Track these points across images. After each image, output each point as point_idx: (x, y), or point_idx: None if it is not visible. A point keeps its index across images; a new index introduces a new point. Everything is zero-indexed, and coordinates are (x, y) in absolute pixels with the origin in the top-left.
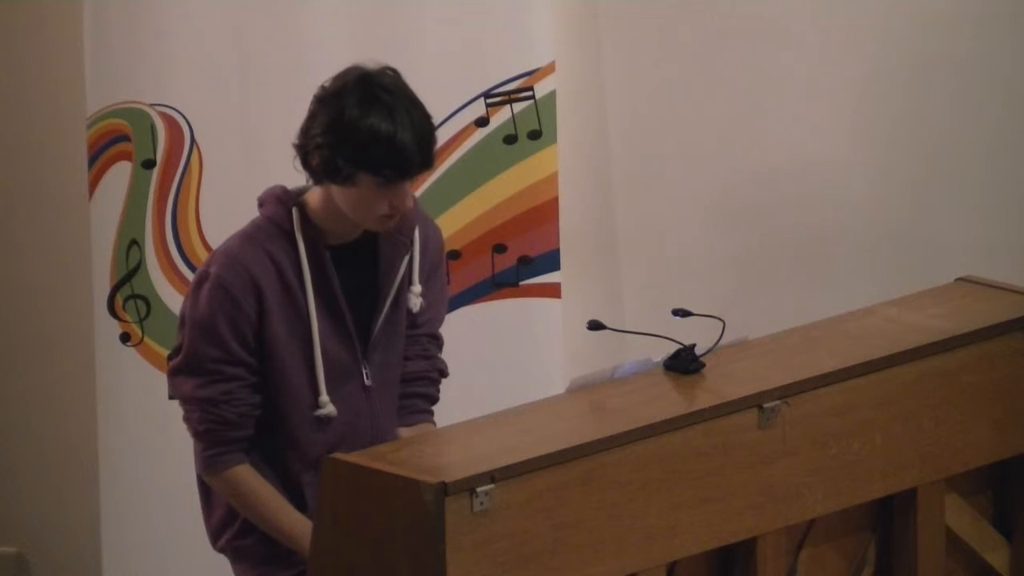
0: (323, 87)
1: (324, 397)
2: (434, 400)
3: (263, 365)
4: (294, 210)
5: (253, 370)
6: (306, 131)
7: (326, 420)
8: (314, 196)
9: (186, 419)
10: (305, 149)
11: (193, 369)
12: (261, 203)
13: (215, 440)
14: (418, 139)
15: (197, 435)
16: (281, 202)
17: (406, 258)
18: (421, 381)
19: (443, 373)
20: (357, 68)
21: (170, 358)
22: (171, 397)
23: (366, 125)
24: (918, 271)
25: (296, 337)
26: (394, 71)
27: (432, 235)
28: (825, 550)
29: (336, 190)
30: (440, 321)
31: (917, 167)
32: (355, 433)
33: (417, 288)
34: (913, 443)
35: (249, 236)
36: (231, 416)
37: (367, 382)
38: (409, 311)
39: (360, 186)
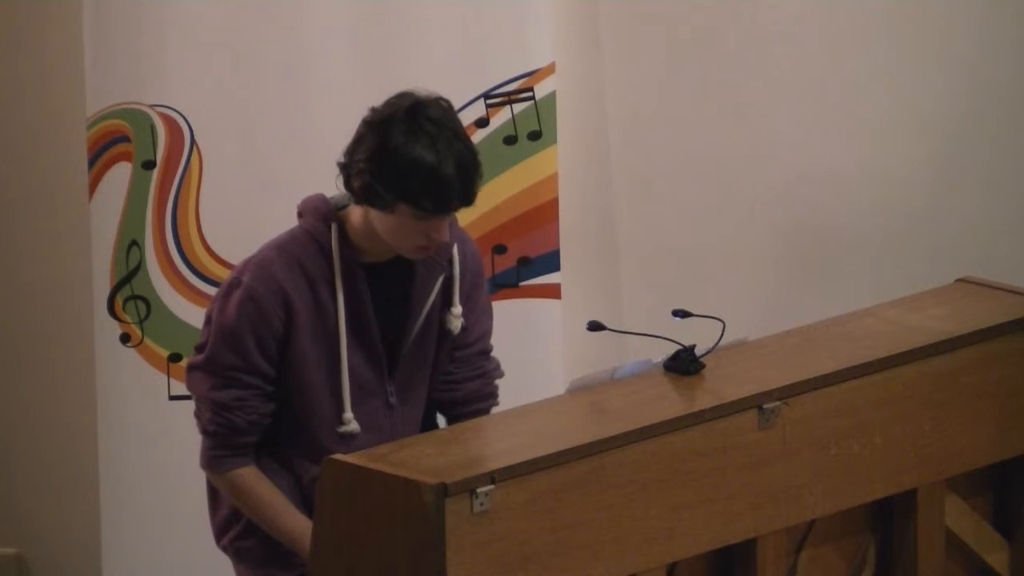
0: (373, 110)
1: (348, 414)
2: (492, 408)
3: (284, 377)
4: (333, 226)
5: (270, 380)
6: (351, 153)
7: (348, 436)
8: (355, 214)
9: (197, 415)
10: (348, 171)
11: (211, 371)
12: (300, 213)
13: (222, 443)
14: (460, 175)
15: (206, 433)
16: (321, 216)
17: (440, 279)
18: (479, 400)
19: (497, 376)
20: (409, 95)
21: (175, 359)
22: (172, 398)
23: (410, 157)
24: (919, 272)
25: (323, 353)
26: (447, 102)
27: (470, 252)
28: (825, 551)
29: (375, 215)
30: (489, 334)
31: (918, 168)
32: None
33: (457, 310)
34: (913, 444)
35: (285, 247)
36: (241, 422)
37: (391, 400)
38: (450, 332)
39: (399, 215)
